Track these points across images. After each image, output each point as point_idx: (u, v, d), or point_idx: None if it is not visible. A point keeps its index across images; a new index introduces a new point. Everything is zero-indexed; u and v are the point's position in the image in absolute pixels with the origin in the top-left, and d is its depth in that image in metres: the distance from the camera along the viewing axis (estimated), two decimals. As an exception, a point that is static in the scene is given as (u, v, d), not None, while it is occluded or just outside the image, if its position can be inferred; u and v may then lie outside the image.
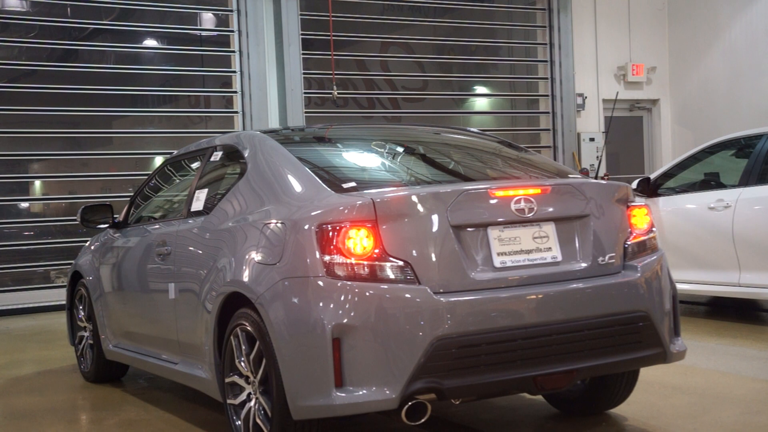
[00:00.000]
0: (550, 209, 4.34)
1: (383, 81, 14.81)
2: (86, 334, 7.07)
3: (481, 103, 16.41)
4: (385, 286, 3.95)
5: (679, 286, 5.06)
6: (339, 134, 5.83)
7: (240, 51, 13.11)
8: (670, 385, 5.83)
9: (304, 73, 13.46)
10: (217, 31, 13.62)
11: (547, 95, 15.63)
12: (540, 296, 4.14)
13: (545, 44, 15.58)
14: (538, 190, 4.33)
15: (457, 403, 4.25)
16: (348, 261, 3.98)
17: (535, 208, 4.28)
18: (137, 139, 13.35)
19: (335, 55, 13.67)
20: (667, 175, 8.90)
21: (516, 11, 15.68)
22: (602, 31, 15.97)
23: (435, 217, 4.07)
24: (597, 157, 15.39)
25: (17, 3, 12.60)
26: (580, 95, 15.67)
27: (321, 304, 3.95)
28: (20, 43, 12.45)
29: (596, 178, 5.39)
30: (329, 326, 3.90)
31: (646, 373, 5.40)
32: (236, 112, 13.25)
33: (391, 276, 3.98)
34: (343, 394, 3.90)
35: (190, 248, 5.32)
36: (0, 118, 12.06)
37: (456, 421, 5.26)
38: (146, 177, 6.95)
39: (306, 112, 13.46)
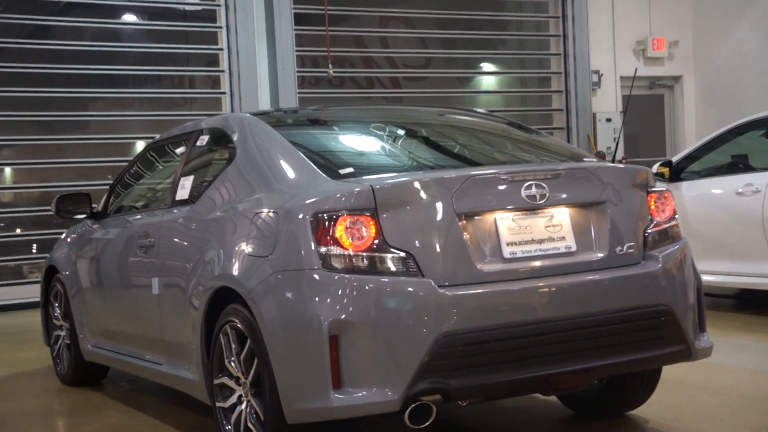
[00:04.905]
0: (564, 195, 4.36)
1: (382, 59, 14.80)
2: (63, 333, 7.09)
3: (488, 82, 16.41)
4: (386, 279, 3.97)
5: (704, 277, 5.07)
6: (335, 116, 5.84)
7: (227, 26, 13.10)
8: (695, 385, 5.86)
9: (297, 51, 13.45)
10: (202, 4, 13.60)
11: (559, 72, 15.61)
12: (553, 289, 4.16)
13: (557, 17, 15.56)
14: (550, 175, 4.35)
15: (464, 404, 4.27)
16: (346, 252, 4.00)
17: (548, 195, 4.29)
18: (116, 123, 13.32)
19: (330, 30, 13.66)
20: (691, 157, 8.90)
21: (526, -18, 15.68)
22: (619, 3, 15.96)
23: (439, 205, 4.09)
24: (614, 139, 15.40)
25: (-16, -25, 12.59)
26: (596, 72, 15.65)
27: (317, 299, 3.97)
28: (-12, 19, 12.45)
29: (613, 161, 5.41)
30: (326, 323, 3.93)
31: (669, 372, 5.42)
32: (223, 93, 13.24)
33: (393, 268, 4.00)
34: (341, 396, 3.92)
35: (175, 240, 5.34)
36: (-33, 100, 12.08)
37: (463, 423, 5.28)
38: (127, 164, 6.96)
39: (299, 93, 13.45)
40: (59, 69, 12.36)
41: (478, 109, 6.56)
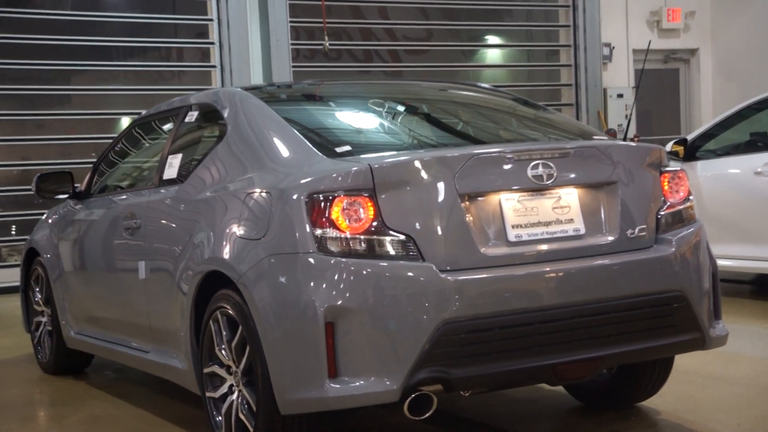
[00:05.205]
0: (572, 175, 4.36)
1: (381, 30, 14.76)
2: (44, 319, 7.11)
3: (493, 55, 16.38)
4: (385, 264, 3.98)
5: (720, 262, 5.08)
6: (331, 91, 5.85)
7: (217, -5, 13.10)
8: (710, 375, 5.88)
9: (291, 22, 13.42)
10: (191, -28, 13.58)
11: (568, 45, 15.59)
12: (560, 274, 4.18)
13: (567, -14, 15.55)
14: (558, 154, 4.36)
15: (467, 395, 4.29)
16: (342, 235, 4.01)
17: (555, 175, 4.30)
18: (100, 98, 13.31)
19: (327, 0, 13.63)
20: (707, 135, 8.91)
21: (534, -52, 15.64)
22: (633, -29, 15.94)
23: (441, 185, 4.10)
24: (626, 116, 15.39)
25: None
26: (607, 45, 15.63)
27: (312, 284, 3.99)
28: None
29: (625, 139, 5.42)
30: (321, 309, 3.94)
31: (682, 361, 5.44)
32: (213, 67, 13.22)
33: (392, 252, 4.01)
34: (337, 386, 3.94)
35: (163, 221, 5.35)
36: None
37: (465, 415, 5.31)
38: (111, 141, 6.97)
39: (293, 67, 13.43)
40: (39, 40, 12.33)
41: (483, 84, 6.56)
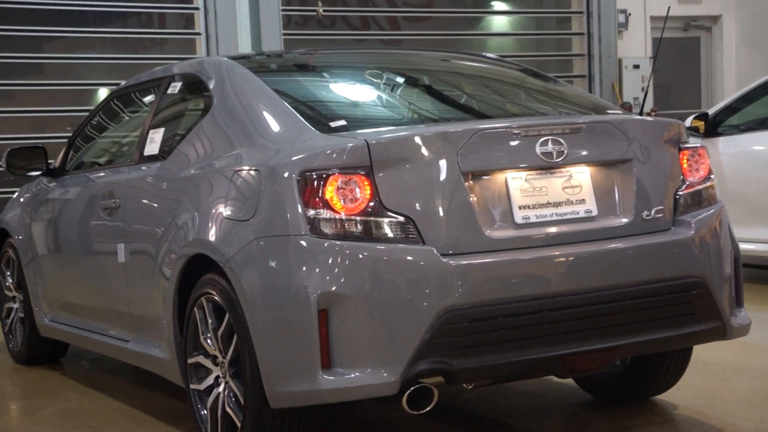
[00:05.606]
0: (584, 153, 4.37)
1: (379, -5, 14.77)
2: (16, 305, 7.13)
3: (499, 23, 16.36)
4: (382, 247, 4.00)
5: (742, 246, 5.10)
6: (325, 61, 5.85)
7: (202, -43, 13.07)
8: (731, 367, 5.90)
9: (282, -15, 13.42)
10: (173, -69, 13.56)
11: (581, 12, 15.56)
12: (571, 258, 4.19)
13: (579, -52, 15.53)
14: (569, 130, 4.36)
15: (470, 387, 4.31)
16: (337, 216, 4.02)
17: (566, 152, 4.31)
18: (76, 67, 13.29)
19: (320, -39, 13.63)
20: (730, 109, 8.90)
21: None
22: (651, -69, 15.91)
23: (443, 163, 4.11)
24: (642, 88, 15.38)
25: None
26: (623, 12, 15.62)
27: (304, 269, 4.00)
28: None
29: (641, 114, 5.42)
30: (314, 295, 3.95)
31: (701, 352, 5.47)
32: (198, 34, 13.19)
33: (390, 234, 4.02)
34: (331, 378, 3.95)
35: (144, 201, 5.36)
36: None
37: (468, 409, 5.33)
38: (88, 114, 6.97)
39: (285, 34, 13.42)
40: (8, 4, 12.29)
41: (488, 54, 6.56)
